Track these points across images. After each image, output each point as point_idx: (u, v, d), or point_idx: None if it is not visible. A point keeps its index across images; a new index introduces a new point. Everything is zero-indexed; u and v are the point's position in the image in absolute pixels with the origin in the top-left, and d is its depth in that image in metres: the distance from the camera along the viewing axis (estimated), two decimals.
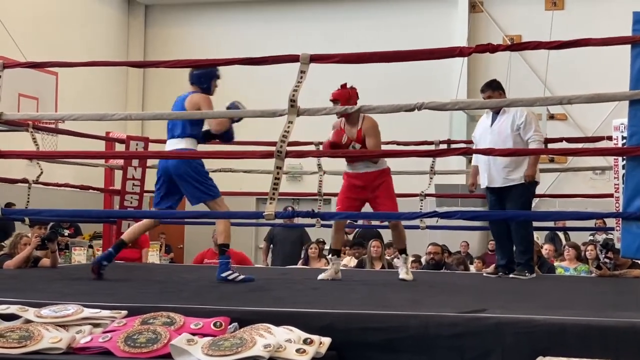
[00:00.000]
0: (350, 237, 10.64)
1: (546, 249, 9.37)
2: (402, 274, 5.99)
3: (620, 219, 4.67)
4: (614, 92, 4.45)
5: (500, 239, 6.63)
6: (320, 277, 5.89)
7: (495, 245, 6.95)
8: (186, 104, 5.56)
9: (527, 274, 6.34)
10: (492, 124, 6.45)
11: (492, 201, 6.55)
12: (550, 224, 11.25)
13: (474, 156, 6.77)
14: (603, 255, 7.16)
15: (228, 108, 5.50)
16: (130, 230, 5.87)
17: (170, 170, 5.58)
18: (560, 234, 12.26)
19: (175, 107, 5.66)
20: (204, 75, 5.64)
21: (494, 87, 6.41)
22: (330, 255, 6.20)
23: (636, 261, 7.11)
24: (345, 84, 5.93)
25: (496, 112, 6.46)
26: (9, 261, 6.70)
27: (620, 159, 6.24)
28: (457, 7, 15.77)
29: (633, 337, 3.10)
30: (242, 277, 5.44)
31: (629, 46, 4.29)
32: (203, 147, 7.71)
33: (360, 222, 10.24)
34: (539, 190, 14.22)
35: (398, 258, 6.06)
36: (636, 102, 4.19)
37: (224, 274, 5.44)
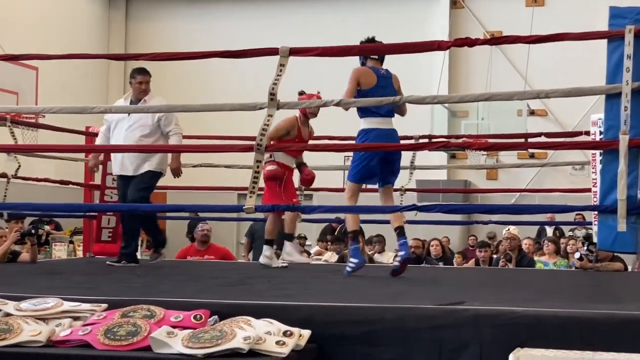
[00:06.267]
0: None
1: (526, 244, 9.43)
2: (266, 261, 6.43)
3: (597, 213, 4.70)
4: (590, 86, 4.48)
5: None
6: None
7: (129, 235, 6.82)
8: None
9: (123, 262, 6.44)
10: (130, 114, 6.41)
11: (121, 188, 6.58)
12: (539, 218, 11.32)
13: (104, 138, 6.62)
14: (585, 248, 7.23)
15: None
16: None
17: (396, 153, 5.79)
18: (549, 230, 12.35)
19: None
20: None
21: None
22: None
23: (617, 255, 7.18)
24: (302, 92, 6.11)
25: (137, 100, 6.47)
26: None
27: (598, 153, 6.29)
28: (438, 3, 15.82)
29: (609, 329, 3.14)
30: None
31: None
32: (184, 142, 7.69)
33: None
34: (520, 184, 14.35)
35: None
36: (612, 96, 4.23)
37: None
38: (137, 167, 6.37)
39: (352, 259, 5.59)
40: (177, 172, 6.50)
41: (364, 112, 5.61)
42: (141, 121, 6.34)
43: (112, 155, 6.73)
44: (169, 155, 6.47)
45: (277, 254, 6.78)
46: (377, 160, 5.63)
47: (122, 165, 6.45)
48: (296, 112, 6.48)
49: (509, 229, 8.87)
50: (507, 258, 8.21)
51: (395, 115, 5.80)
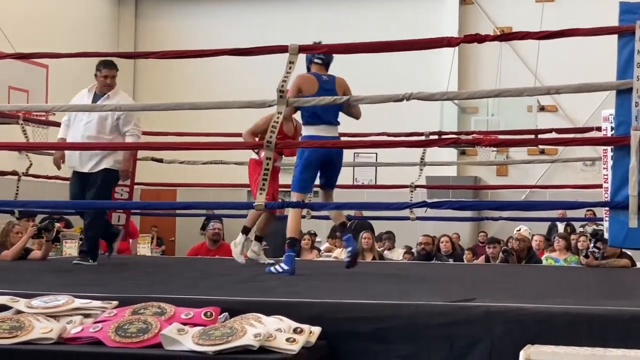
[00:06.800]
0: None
1: (536, 240, 9.40)
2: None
3: (608, 209, 4.69)
4: (600, 82, 4.46)
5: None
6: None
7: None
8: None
9: (90, 261, 6.14)
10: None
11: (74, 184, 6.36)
12: (550, 214, 11.26)
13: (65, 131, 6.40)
14: (592, 245, 7.22)
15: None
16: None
17: (337, 158, 5.74)
18: (561, 226, 12.32)
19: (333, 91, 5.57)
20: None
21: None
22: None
23: (625, 251, 7.17)
24: None
25: (101, 94, 6.32)
26: (6, 252, 6.63)
27: (609, 149, 6.27)
28: None
29: (620, 325, 3.13)
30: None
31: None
32: (191, 139, 7.69)
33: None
34: (530, 180, 14.31)
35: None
36: (623, 92, 4.21)
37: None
38: (94, 164, 6.16)
39: (283, 265, 5.42)
40: (126, 175, 6.38)
41: (309, 119, 5.57)
42: (100, 117, 6.14)
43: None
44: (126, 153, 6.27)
45: (265, 251, 6.89)
46: (317, 166, 5.64)
47: (80, 160, 6.22)
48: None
49: (519, 230, 8.83)
50: (504, 258, 8.08)
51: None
